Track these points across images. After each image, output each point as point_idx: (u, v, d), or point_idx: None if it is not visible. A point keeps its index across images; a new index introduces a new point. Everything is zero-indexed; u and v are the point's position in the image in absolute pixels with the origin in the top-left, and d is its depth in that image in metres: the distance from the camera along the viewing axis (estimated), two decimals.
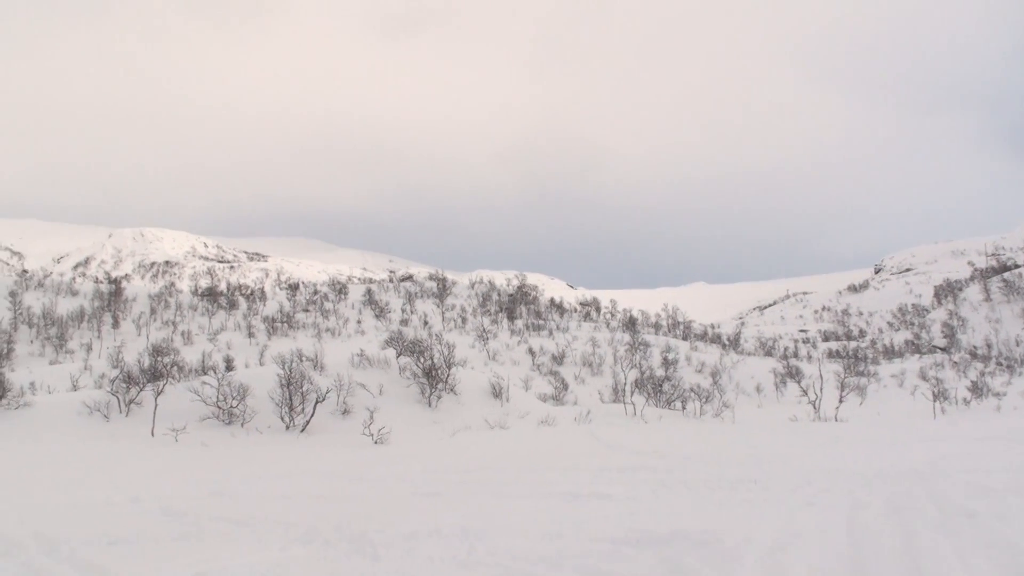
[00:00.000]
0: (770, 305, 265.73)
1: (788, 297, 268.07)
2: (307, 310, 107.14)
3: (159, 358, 38.37)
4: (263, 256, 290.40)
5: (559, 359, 69.89)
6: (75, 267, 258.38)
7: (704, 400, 40.56)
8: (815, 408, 41.48)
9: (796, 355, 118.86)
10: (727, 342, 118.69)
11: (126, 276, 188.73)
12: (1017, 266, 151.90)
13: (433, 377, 37.84)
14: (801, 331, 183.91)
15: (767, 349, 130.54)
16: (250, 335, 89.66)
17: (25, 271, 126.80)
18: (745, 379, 70.52)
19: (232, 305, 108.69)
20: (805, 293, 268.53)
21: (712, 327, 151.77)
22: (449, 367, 38.84)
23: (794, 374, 53.20)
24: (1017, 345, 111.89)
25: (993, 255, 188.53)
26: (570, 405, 37.12)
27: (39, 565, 10.97)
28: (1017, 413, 42.25)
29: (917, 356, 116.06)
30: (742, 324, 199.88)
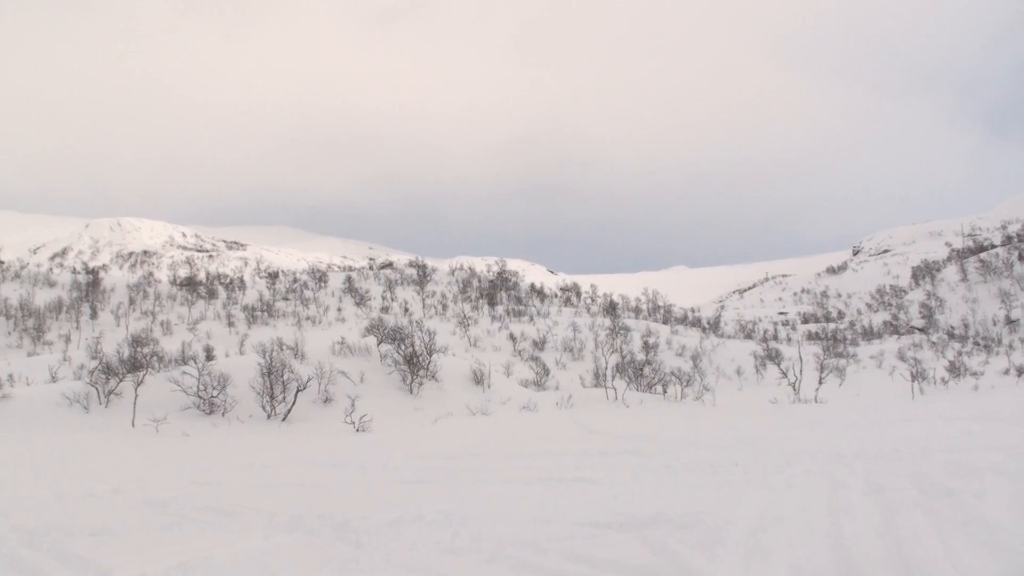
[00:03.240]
0: (749, 288, 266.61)
1: (767, 280, 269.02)
2: (287, 298, 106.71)
3: (138, 348, 38.24)
4: (242, 245, 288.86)
5: (540, 345, 69.98)
6: (52, 258, 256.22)
7: (685, 384, 40.69)
8: (795, 390, 41.70)
9: (776, 337, 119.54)
10: (707, 325, 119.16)
11: (104, 266, 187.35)
12: (994, 246, 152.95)
13: (414, 364, 37.83)
14: (780, 313, 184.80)
15: (747, 332, 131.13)
16: (230, 324, 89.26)
17: (1, 262, 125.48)
18: (725, 362, 70.84)
19: (211, 294, 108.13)
20: (784, 276, 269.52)
21: (692, 311, 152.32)
22: (430, 354, 38.83)
23: (774, 356, 53.49)
24: (994, 325, 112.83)
25: (970, 236, 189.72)
26: (551, 390, 37.18)
27: (21, 558, 10.94)
28: (994, 392, 42.57)
29: (895, 337, 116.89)
30: (722, 307, 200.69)
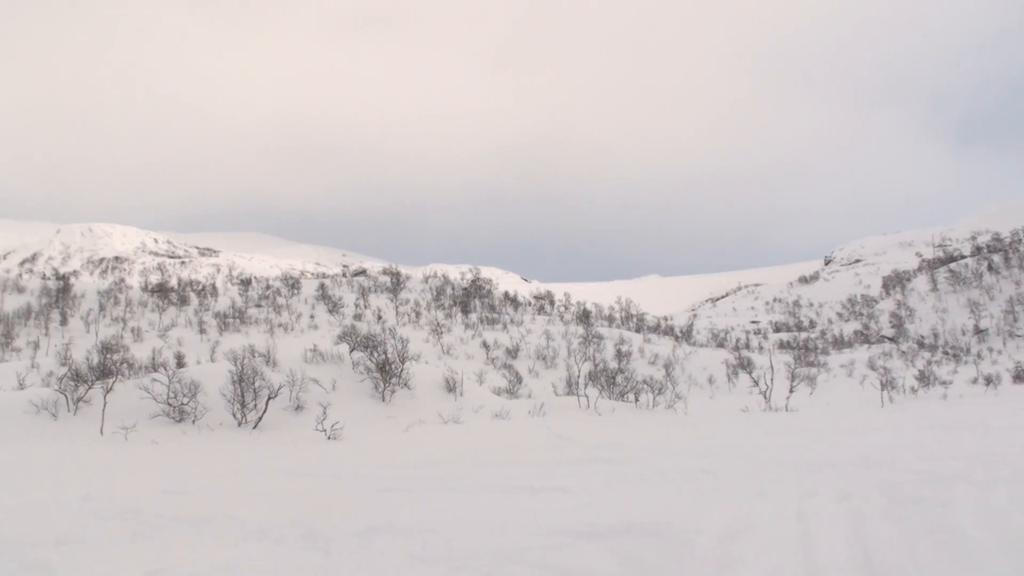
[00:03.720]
0: (722, 297, 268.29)
1: (740, 289, 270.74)
2: (259, 305, 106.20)
3: (108, 355, 37.86)
4: (215, 251, 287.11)
5: (513, 352, 69.96)
6: (21, 263, 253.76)
7: (657, 392, 40.80)
8: (766, 398, 41.93)
9: (748, 346, 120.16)
10: (680, 334, 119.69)
11: (74, 272, 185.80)
12: (963, 257, 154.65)
13: (387, 372, 37.74)
14: (753, 322, 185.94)
15: (719, 340, 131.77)
16: (201, 331, 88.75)
17: None
18: (697, 370, 71.16)
19: (183, 301, 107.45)
20: (757, 285, 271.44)
21: (665, 319, 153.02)
22: (403, 361, 38.74)
23: (745, 365, 53.67)
24: (963, 334, 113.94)
25: (940, 246, 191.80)
26: (524, 398, 37.18)
27: None
28: (963, 401, 43.00)
29: (866, 346, 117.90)
30: (695, 316, 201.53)
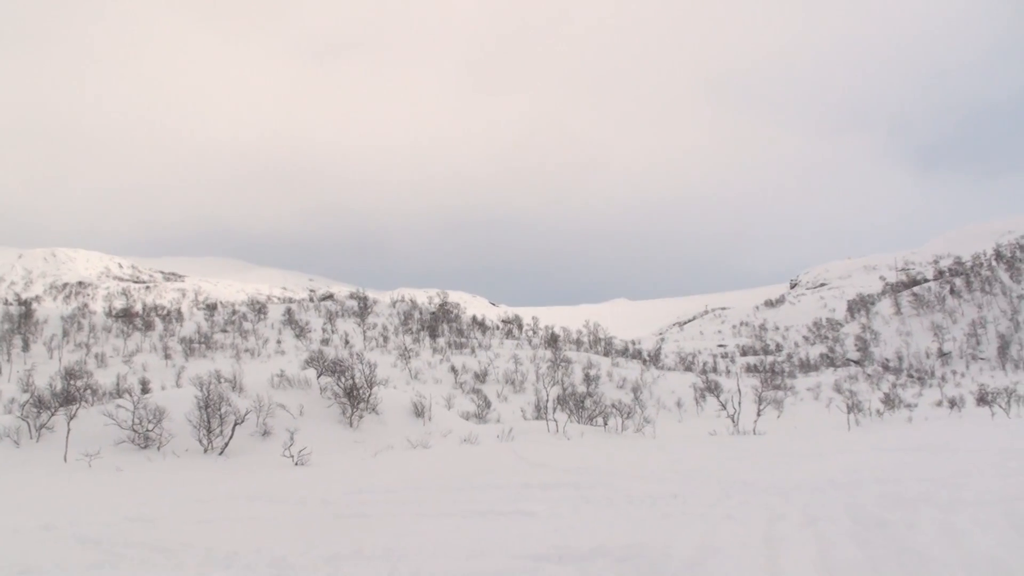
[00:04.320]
0: (690, 321, 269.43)
1: (707, 312, 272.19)
2: (225, 330, 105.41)
3: (71, 381, 37.49)
4: (180, 276, 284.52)
5: (481, 377, 69.81)
6: None
7: (625, 416, 40.87)
8: (734, 422, 42.11)
9: (715, 370, 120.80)
10: (648, 358, 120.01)
11: (37, 297, 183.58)
12: (926, 280, 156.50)
13: (354, 397, 37.53)
14: (720, 346, 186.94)
15: (687, 364, 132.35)
16: (167, 357, 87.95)
17: None
18: (666, 394, 71.30)
19: (148, 326, 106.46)
20: (723, 308, 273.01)
21: (633, 343, 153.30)
22: (371, 386, 38.56)
23: (713, 389, 53.89)
24: (927, 357, 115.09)
25: (903, 270, 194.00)
26: (493, 423, 37.09)
27: None
28: (928, 424, 43.37)
29: (832, 369, 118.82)
30: (662, 340, 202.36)
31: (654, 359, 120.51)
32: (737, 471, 21.01)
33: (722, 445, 31.17)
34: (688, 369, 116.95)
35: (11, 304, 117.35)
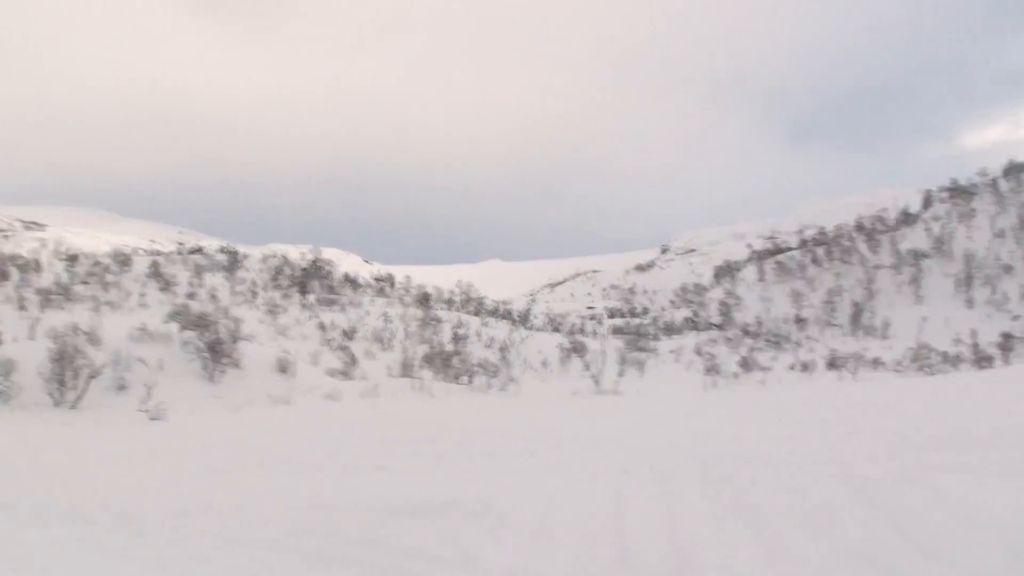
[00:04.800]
0: (561, 282, 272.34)
1: (578, 275, 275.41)
2: (86, 282, 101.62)
3: None
4: (41, 225, 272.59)
5: (350, 334, 69.27)
6: None
7: (492, 375, 41.23)
8: (596, 382, 42.85)
9: (583, 331, 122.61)
10: (517, 318, 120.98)
11: None
12: (790, 249, 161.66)
13: (217, 351, 36.78)
14: (589, 308, 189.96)
15: (555, 325, 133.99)
16: (21, 308, 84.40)
17: None
18: (533, 354, 71.97)
19: (2, 276, 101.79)
20: (595, 271, 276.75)
21: (504, 303, 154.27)
22: (235, 341, 37.86)
23: (579, 349, 54.77)
24: (785, 323, 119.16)
25: (770, 238, 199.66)
26: (358, 380, 36.87)
27: None
28: (781, 386, 45.02)
29: (695, 333, 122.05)
30: (533, 301, 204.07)
31: (523, 320, 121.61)
32: (595, 429, 21.47)
33: (583, 404, 31.75)
34: (556, 330, 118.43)
35: None
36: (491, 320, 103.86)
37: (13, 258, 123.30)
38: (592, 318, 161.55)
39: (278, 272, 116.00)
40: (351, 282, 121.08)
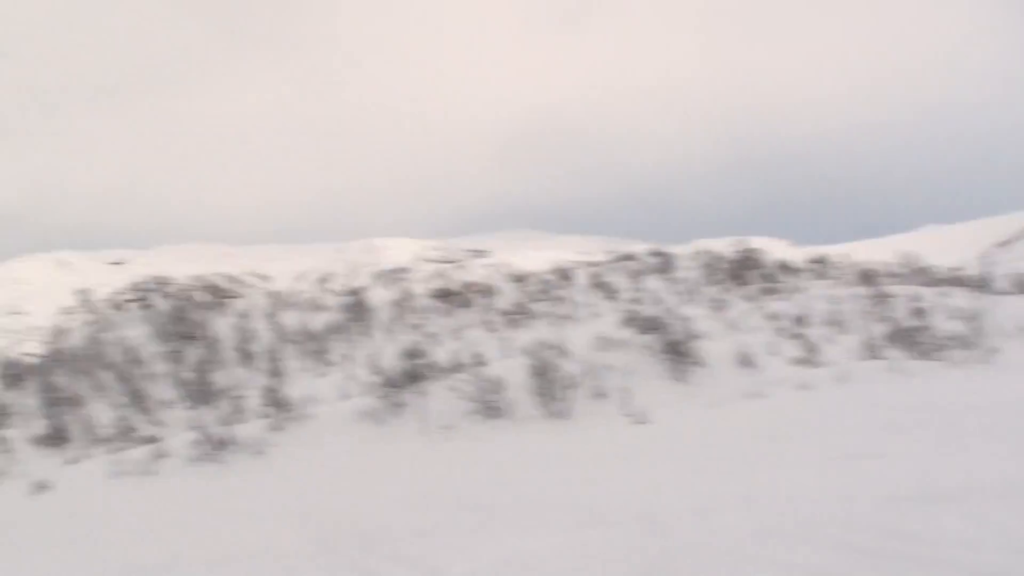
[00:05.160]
0: (1009, 242, 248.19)
1: None
2: (538, 299, 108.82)
3: (413, 359, 40.41)
4: (485, 252, 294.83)
5: (801, 320, 68.13)
6: (318, 283, 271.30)
7: (966, 347, 38.79)
8: None
9: None
10: (978, 284, 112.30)
11: (364, 287, 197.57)
12: None
13: (678, 352, 37.98)
14: None
15: (1021, 287, 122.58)
16: (490, 329, 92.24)
17: (275, 291, 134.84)
18: (1006, 320, 66.47)
19: (466, 303, 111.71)
20: None
21: (955, 269, 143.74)
22: (691, 340, 38.90)
23: None
24: None
25: None
26: (823, 366, 36.36)
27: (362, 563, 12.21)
28: None
29: None
30: (990, 263, 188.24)
31: (984, 284, 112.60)
32: None
33: None
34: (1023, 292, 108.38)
35: (343, 295, 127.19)
36: (947, 290, 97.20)
37: (471, 285, 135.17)
38: None
39: (711, 268, 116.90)
40: (787, 268, 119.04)
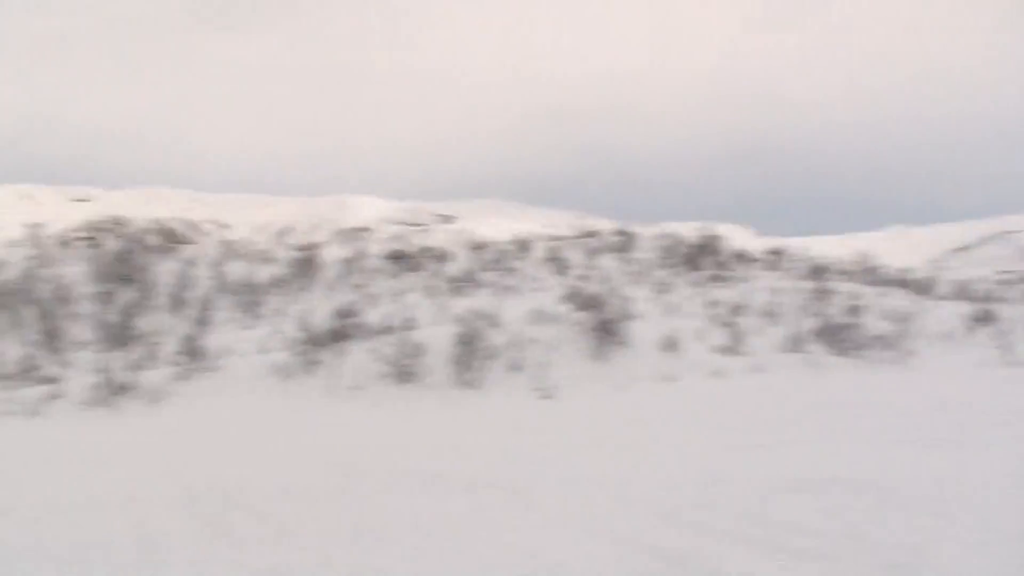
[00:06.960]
0: (970, 247, 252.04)
1: (992, 238, 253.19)
2: (490, 269, 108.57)
3: (343, 320, 40.01)
4: (452, 218, 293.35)
5: (737, 310, 68.40)
6: (275, 235, 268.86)
7: (887, 348, 39.18)
8: (1006, 353, 39.05)
9: (993, 298, 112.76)
10: (919, 287, 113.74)
11: (320, 243, 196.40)
12: None
13: (606, 331, 37.92)
14: (1002, 272, 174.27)
15: (964, 294, 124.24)
16: (432, 295, 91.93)
17: (230, 240, 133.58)
18: (934, 325, 67.16)
19: (417, 267, 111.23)
20: (1009, 232, 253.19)
21: (905, 271, 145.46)
22: (623, 320, 38.87)
23: (986, 318, 50.46)
24: None
25: None
26: (745, 356, 36.40)
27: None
28: None
29: None
30: (938, 268, 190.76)
31: (926, 288, 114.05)
32: (995, 401, 19.98)
33: (987, 377, 29.50)
34: (964, 299, 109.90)
35: (295, 250, 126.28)
36: (889, 290, 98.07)
37: (426, 250, 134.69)
38: (1006, 284, 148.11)
39: (669, 251, 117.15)
40: (741, 257, 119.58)
